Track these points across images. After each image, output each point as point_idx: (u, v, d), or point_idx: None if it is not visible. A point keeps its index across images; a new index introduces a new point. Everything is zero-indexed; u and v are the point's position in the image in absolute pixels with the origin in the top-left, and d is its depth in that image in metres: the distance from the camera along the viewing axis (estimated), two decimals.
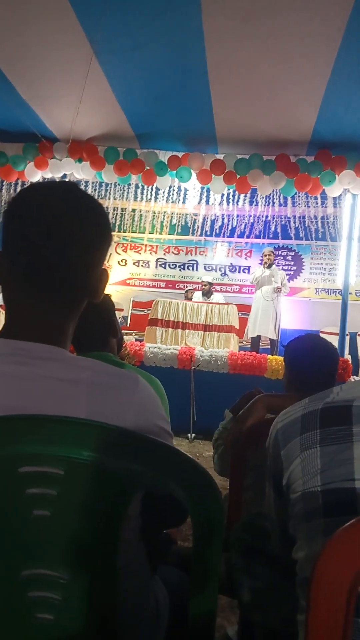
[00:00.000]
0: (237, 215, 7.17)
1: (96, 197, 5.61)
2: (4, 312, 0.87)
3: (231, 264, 9.70)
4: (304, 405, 0.88)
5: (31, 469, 0.67)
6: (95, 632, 0.71)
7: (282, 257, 9.18)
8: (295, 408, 0.90)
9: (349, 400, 0.83)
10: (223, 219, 7.31)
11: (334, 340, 5.08)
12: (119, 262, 10.09)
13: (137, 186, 5.78)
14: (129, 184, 5.70)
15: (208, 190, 5.50)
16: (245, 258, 9.64)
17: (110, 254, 10.05)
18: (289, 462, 0.85)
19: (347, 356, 5.71)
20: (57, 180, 0.77)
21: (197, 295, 7.92)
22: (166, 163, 5.10)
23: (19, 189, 5.67)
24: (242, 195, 5.58)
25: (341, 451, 0.79)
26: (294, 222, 7.03)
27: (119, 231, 8.69)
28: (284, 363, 1.72)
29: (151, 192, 5.79)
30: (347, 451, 0.79)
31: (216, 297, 7.79)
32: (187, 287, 9.14)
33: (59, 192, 0.82)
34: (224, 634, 1.76)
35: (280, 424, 0.91)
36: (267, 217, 7.10)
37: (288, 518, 0.87)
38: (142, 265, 10.05)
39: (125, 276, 10.03)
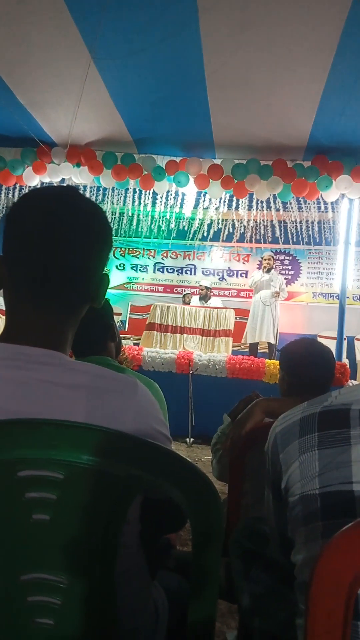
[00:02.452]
0: (235, 220, 7.19)
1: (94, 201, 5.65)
2: (3, 317, 0.87)
3: (229, 268, 9.72)
4: (303, 409, 0.89)
5: (30, 472, 0.67)
6: (94, 637, 0.71)
7: (279, 262, 9.19)
8: (294, 412, 0.90)
9: (347, 404, 0.84)
10: (220, 223, 7.32)
11: (332, 345, 5.09)
12: (116, 266, 10.09)
13: (135, 191, 5.79)
14: (127, 189, 5.71)
15: (206, 194, 5.52)
16: (243, 262, 9.65)
17: (109, 258, 10.05)
18: (288, 465, 0.86)
19: (345, 360, 5.71)
20: (58, 185, 0.78)
21: (195, 300, 7.93)
22: (164, 168, 5.11)
23: (17, 193, 5.69)
24: (239, 200, 5.60)
25: (339, 454, 0.80)
26: (291, 227, 7.05)
27: (116, 235, 8.70)
28: (280, 366, 1.72)
29: (149, 197, 5.81)
30: (344, 454, 0.80)
31: (214, 301, 7.80)
32: (184, 291, 9.16)
33: (59, 198, 0.82)
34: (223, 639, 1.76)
35: (278, 427, 0.92)
36: (264, 221, 7.12)
37: (287, 522, 0.88)
38: (140, 270, 10.06)
39: (123, 280, 10.03)
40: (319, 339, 6.65)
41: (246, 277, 9.32)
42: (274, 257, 7.55)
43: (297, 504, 0.83)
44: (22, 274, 0.77)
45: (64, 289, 0.78)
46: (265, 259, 7.19)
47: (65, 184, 5.43)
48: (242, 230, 7.41)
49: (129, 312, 9.48)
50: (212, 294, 8.01)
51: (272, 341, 6.96)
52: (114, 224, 7.51)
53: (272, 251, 7.95)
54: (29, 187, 5.32)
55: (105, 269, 0.86)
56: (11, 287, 0.79)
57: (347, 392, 0.87)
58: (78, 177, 5.29)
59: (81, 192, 0.86)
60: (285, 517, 0.88)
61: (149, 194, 5.71)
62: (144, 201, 5.83)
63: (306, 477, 0.82)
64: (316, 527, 0.79)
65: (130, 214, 7.22)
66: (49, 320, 0.78)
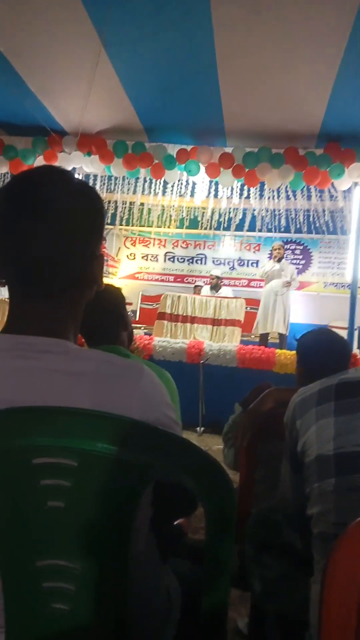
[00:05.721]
0: (246, 209, 7.13)
1: (105, 191, 5.56)
2: None
3: (240, 257, 9.67)
4: (321, 382, 0.97)
5: (45, 460, 0.67)
6: (108, 622, 0.72)
7: (290, 251, 9.13)
8: (314, 385, 0.98)
9: None
10: (231, 212, 7.28)
11: (343, 334, 5.05)
12: (127, 256, 10.09)
13: (145, 180, 5.76)
14: (138, 178, 5.68)
15: (217, 183, 5.48)
16: (254, 252, 9.60)
17: (119, 247, 10.05)
18: (305, 430, 0.93)
19: (356, 350, 5.67)
20: (39, 166, 0.77)
21: (206, 289, 7.91)
22: (175, 156, 5.08)
23: None
24: (251, 189, 5.55)
25: (353, 420, 0.87)
26: (303, 216, 6.98)
27: (127, 225, 8.68)
28: (296, 357, 1.71)
29: (159, 186, 5.78)
30: (358, 420, 0.87)
31: (225, 291, 7.77)
32: (195, 281, 9.13)
33: (47, 179, 0.81)
34: (234, 627, 1.77)
35: (298, 398, 1.00)
36: (275, 210, 7.06)
37: (303, 496, 0.93)
38: (150, 259, 10.05)
39: (134, 270, 10.03)
40: None
41: (257, 266, 9.28)
42: (284, 246, 7.49)
43: (313, 463, 0.90)
44: (12, 265, 0.77)
45: (56, 276, 0.77)
46: (275, 249, 7.14)
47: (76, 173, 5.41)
48: (253, 220, 7.35)
49: (139, 302, 9.48)
50: (222, 283, 7.98)
51: (283, 331, 6.93)
52: (124, 213, 7.48)
53: (282, 240, 7.89)
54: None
55: (97, 249, 0.83)
56: (6, 279, 0.79)
57: None
58: (89, 166, 5.27)
59: (91, 181, 0.84)
60: (302, 490, 0.93)
61: (160, 183, 5.67)
62: (155, 190, 5.80)
63: (322, 440, 0.89)
64: (329, 483, 0.86)
65: (140, 204, 7.19)
66: (47, 309, 0.78)
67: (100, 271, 0.84)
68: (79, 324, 0.84)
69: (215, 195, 5.78)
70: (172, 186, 5.66)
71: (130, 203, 7.18)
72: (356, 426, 0.86)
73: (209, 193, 5.70)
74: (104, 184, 5.94)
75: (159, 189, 5.78)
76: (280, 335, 6.97)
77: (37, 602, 0.70)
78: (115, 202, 6.87)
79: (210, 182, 5.49)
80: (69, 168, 5.29)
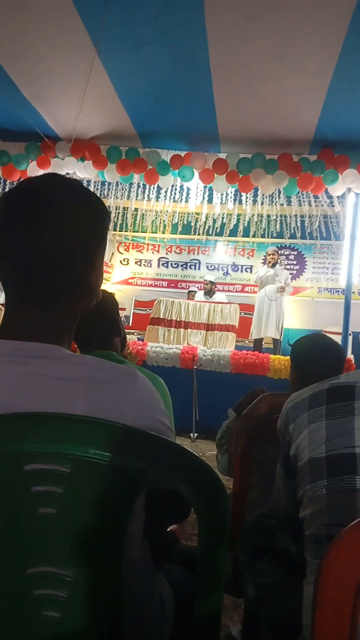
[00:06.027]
0: (239, 215, 7.16)
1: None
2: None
3: (234, 263, 9.69)
4: (313, 387, 0.99)
5: (36, 466, 0.67)
6: (101, 629, 0.71)
7: (284, 257, 9.15)
8: (305, 390, 1.00)
9: (353, 382, 0.94)
10: (225, 218, 7.29)
11: (337, 340, 5.07)
12: (121, 261, 10.08)
13: (139, 185, 5.77)
14: (131, 183, 5.69)
15: (210, 189, 5.49)
16: (248, 257, 9.62)
17: (113, 253, 10.05)
18: (297, 434, 0.95)
19: (350, 356, 5.70)
20: (40, 175, 0.78)
21: (200, 295, 7.92)
22: (168, 162, 5.09)
23: None
24: (244, 194, 5.57)
25: (344, 423, 0.89)
26: (297, 222, 7.01)
27: (121, 230, 8.68)
28: (290, 362, 1.71)
29: (153, 192, 5.78)
30: (349, 423, 0.89)
31: (218, 296, 7.79)
32: (189, 286, 9.13)
33: (47, 185, 0.81)
34: (227, 634, 1.76)
35: (290, 403, 1.02)
36: (269, 216, 7.09)
37: (296, 500, 0.94)
38: (144, 265, 10.05)
39: (127, 275, 10.02)
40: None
41: (251, 272, 9.30)
42: (278, 251, 7.52)
43: (305, 466, 0.92)
44: (9, 270, 0.77)
45: (52, 282, 0.77)
46: (269, 254, 7.17)
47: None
48: (247, 225, 7.37)
49: (133, 307, 9.47)
50: (216, 289, 7.99)
51: (277, 336, 6.94)
52: (117, 218, 7.47)
53: (277, 246, 7.92)
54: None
55: (96, 259, 0.83)
56: (3, 283, 0.79)
57: (354, 374, 0.98)
58: (82, 171, 5.28)
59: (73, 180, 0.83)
60: (296, 494, 0.94)
61: (154, 188, 5.68)
62: (148, 196, 5.81)
63: (314, 443, 0.91)
64: (321, 485, 0.88)
65: (134, 209, 7.19)
66: (39, 315, 0.78)
67: (98, 282, 0.84)
68: (73, 332, 0.84)
69: (209, 201, 5.79)
70: (166, 192, 5.67)
71: (124, 208, 7.18)
72: (347, 429, 0.88)
73: (203, 199, 5.71)
74: (97, 189, 5.94)
75: (153, 194, 5.79)
76: (274, 341, 6.98)
77: (27, 609, 0.69)
78: (109, 207, 6.88)
79: (204, 187, 5.50)
80: (62, 173, 5.29)
